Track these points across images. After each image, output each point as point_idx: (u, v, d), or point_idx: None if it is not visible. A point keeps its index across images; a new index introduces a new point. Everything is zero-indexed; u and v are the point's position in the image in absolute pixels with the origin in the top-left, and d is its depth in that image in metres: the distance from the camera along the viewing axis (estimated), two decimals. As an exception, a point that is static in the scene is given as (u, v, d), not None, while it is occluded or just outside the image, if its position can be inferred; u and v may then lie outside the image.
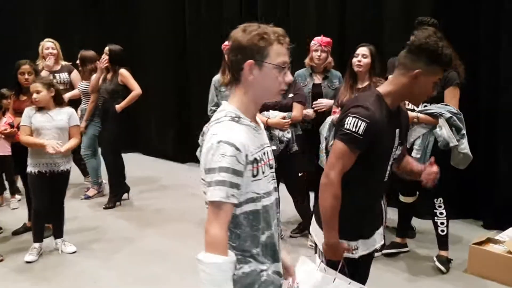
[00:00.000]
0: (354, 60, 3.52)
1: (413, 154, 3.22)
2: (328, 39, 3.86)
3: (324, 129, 3.58)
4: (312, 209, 3.95)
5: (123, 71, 4.64)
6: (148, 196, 5.17)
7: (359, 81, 3.57)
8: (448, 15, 4.00)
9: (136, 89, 4.67)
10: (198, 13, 6.24)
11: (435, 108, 3.17)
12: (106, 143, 4.77)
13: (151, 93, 6.37)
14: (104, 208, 4.72)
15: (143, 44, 6.90)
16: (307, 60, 3.93)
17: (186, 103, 6.62)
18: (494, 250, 3.23)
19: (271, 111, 3.65)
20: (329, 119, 3.59)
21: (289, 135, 3.59)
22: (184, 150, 6.74)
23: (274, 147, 3.57)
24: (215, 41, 5.98)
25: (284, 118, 3.58)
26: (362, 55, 3.50)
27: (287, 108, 3.65)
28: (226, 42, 4.02)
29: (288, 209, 4.09)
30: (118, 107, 4.60)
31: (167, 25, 6.61)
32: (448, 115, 3.11)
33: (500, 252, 3.19)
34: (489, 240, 3.35)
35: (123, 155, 4.88)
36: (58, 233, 3.78)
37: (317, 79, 3.92)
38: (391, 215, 3.84)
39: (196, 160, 6.51)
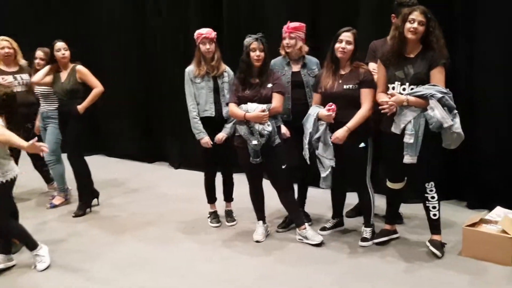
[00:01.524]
0: (338, 46, 3.39)
1: (406, 139, 3.13)
2: (296, 24, 3.68)
3: (309, 122, 3.44)
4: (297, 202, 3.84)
5: (80, 68, 4.32)
6: (119, 201, 4.88)
7: (342, 67, 3.45)
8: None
9: (98, 86, 4.36)
10: (159, 10, 5.93)
11: (424, 89, 3.08)
12: (71, 147, 4.42)
13: (110, 91, 6.00)
14: (73, 217, 4.39)
15: (101, 41, 6.53)
16: (281, 49, 3.77)
17: (150, 101, 6.33)
18: (488, 230, 3.19)
19: (249, 103, 3.47)
20: (313, 112, 3.44)
21: (270, 128, 3.42)
22: (151, 149, 6.47)
23: (255, 142, 3.40)
24: (178, 37, 5.77)
25: (263, 111, 3.40)
26: (346, 41, 3.36)
27: (267, 99, 3.48)
28: (202, 30, 3.82)
29: (273, 204, 3.94)
30: (80, 107, 4.27)
31: (126, 20, 6.27)
32: (439, 95, 3.03)
33: (494, 232, 3.15)
34: (481, 221, 3.32)
35: (86, 158, 4.56)
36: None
37: (295, 67, 3.76)
38: (379, 202, 3.75)
39: (164, 159, 6.39)
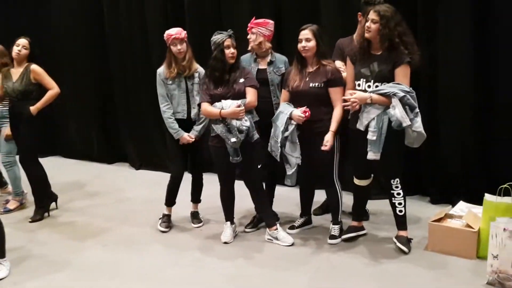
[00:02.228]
0: (299, 45, 3.39)
1: (369, 136, 3.15)
2: (260, 20, 3.64)
3: (280, 120, 3.40)
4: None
5: (35, 68, 4.10)
6: (79, 204, 4.69)
7: (309, 65, 3.43)
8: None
9: (54, 88, 4.15)
10: (117, 8, 5.73)
11: (387, 88, 3.11)
12: (24, 150, 4.19)
13: (67, 90, 5.80)
14: (30, 222, 4.19)
15: (58, 40, 6.27)
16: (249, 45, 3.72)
17: (109, 100, 6.12)
18: (452, 225, 3.26)
19: (223, 100, 3.41)
20: (286, 110, 3.41)
21: (248, 123, 3.36)
22: (110, 150, 6.27)
23: (234, 139, 3.33)
24: (137, 36, 5.61)
25: (239, 106, 3.34)
26: (305, 39, 3.37)
27: (241, 95, 3.43)
28: (172, 31, 3.71)
29: (241, 204, 3.89)
30: (33, 109, 4.05)
31: (84, 18, 6.04)
32: (401, 94, 3.06)
33: (459, 226, 3.23)
34: (445, 216, 3.39)
35: (41, 160, 4.35)
36: None
37: (262, 64, 3.72)
38: (346, 199, 3.77)
39: (125, 160, 6.21)
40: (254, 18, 3.66)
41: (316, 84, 3.37)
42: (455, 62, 3.95)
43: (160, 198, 4.02)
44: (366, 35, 3.17)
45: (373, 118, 3.16)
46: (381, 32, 3.13)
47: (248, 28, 3.63)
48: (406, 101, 3.09)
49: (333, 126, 3.36)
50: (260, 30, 3.62)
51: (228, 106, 3.37)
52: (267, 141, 3.53)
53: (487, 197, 3.17)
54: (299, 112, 3.34)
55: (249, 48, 3.69)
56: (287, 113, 3.41)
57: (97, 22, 5.95)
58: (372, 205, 4.07)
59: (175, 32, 3.69)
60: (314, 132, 3.39)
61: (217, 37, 3.45)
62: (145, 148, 5.82)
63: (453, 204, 4.07)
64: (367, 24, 3.15)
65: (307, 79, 3.41)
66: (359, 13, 3.60)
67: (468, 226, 3.19)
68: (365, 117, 3.19)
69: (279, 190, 4.02)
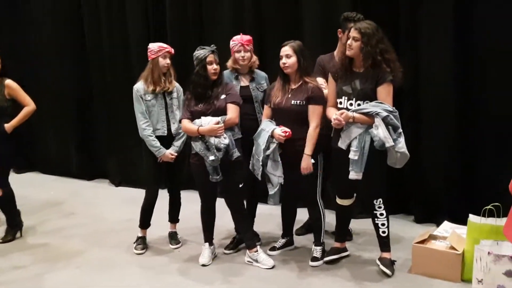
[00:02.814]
0: (280, 62, 3.33)
1: (351, 155, 3.07)
2: (248, 37, 3.59)
3: (262, 138, 3.31)
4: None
5: (10, 83, 3.93)
6: (54, 223, 4.53)
7: (291, 81, 3.36)
8: (367, 12, 3.93)
9: (30, 104, 4.00)
10: (98, 20, 5.63)
11: (370, 107, 3.04)
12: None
13: (45, 105, 5.70)
14: (1, 242, 4.03)
15: (35, 54, 6.14)
16: (229, 63, 3.63)
17: (89, 114, 5.99)
18: (436, 247, 3.18)
19: (203, 117, 3.30)
20: (268, 128, 3.32)
21: (227, 141, 3.26)
22: (90, 166, 6.12)
23: (212, 157, 3.22)
24: (119, 50, 5.51)
25: (217, 123, 3.24)
26: (285, 56, 3.30)
27: (221, 111, 3.33)
28: (163, 44, 3.63)
29: (223, 222, 3.77)
30: (8, 126, 3.88)
31: (63, 31, 5.92)
32: (384, 113, 2.99)
33: (443, 249, 3.15)
34: (429, 237, 3.30)
35: (17, 176, 4.21)
36: None
37: (244, 81, 3.64)
38: (329, 219, 3.68)
39: (105, 176, 6.05)
40: (242, 34, 3.59)
41: (298, 101, 3.30)
42: (438, 79, 3.90)
43: (137, 218, 3.88)
44: (348, 53, 3.11)
45: (355, 137, 3.08)
46: (363, 50, 3.07)
47: (239, 46, 3.52)
48: (389, 121, 3.02)
49: (308, 149, 3.27)
50: (251, 47, 3.58)
51: (207, 123, 3.27)
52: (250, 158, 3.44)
53: (471, 218, 3.09)
54: (280, 131, 3.26)
55: (237, 65, 3.58)
56: (269, 131, 3.32)
57: (76, 36, 5.83)
58: (355, 224, 3.97)
59: (166, 45, 3.64)
60: (296, 151, 3.30)
61: (199, 53, 3.36)
62: (126, 164, 5.67)
63: (438, 224, 4.01)
64: (349, 42, 3.10)
65: (289, 95, 3.33)
66: (339, 29, 3.55)
67: (452, 248, 3.11)
68: (346, 135, 3.11)
69: (261, 208, 3.91)
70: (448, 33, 3.81)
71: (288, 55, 3.30)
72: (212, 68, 3.32)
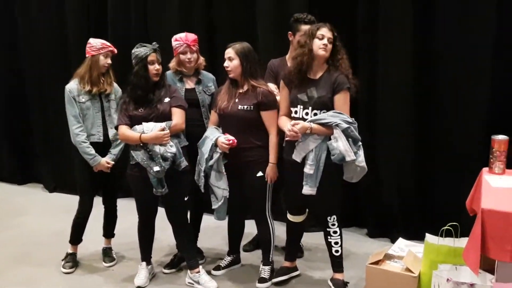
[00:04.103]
0: (224, 64, 3.05)
1: (306, 169, 2.82)
2: (194, 36, 3.27)
3: (206, 146, 3.02)
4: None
5: None
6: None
7: (239, 85, 3.08)
8: (322, 9, 3.71)
9: None
10: (33, 17, 5.13)
11: (328, 117, 2.80)
12: None
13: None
14: None
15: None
16: (173, 64, 3.30)
17: (20, 115, 5.45)
18: (391, 268, 2.97)
19: (144, 123, 2.94)
20: (212, 135, 3.03)
21: (174, 149, 2.92)
22: (21, 168, 5.58)
23: (157, 168, 2.88)
24: (55, 48, 5.04)
25: (162, 129, 2.90)
26: (228, 58, 3.03)
27: (166, 116, 2.98)
28: (94, 42, 3.25)
29: (163, 237, 3.44)
30: None
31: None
32: (344, 125, 2.76)
33: (398, 270, 2.94)
34: (384, 256, 3.10)
35: None
36: None
37: (189, 84, 3.31)
38: (280, 232, 3.41)
39: (38, 180, 5.54)
40: (186, 33, 3.25)
41: (245, 106, 3.01)
42: (395, 92, 3.72)
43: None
44: (323, 53, 2.82)
45: (311, 150, 2.83)
46: (331, 53, 2.85)
47: (184, 47, 3.19)
48: (349, 133, 2.79)
49: (272, 157, 3.04)
50: (197, 47, 3.26)
51: (150, 129, 2.92)
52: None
53: (428, 238, 2.90)
54: (224, 139, 2.97)
55: (182, 67, 3.27)
56: (213, 138, 3.02)
57: (8, 34, 5.31)
58: (307, 238, 3.70)
59: (109, 43, 3.29)
60: (243, 162, 3.03)
61: (139, 51, 2.99)
62: (61, 168, 5.20)
63: (392, 239, 3.86)
64: (324, 41, 2.80)
65: (236, 100, 3.05)
66: (290, 32, 3.30)
67: (408, 270, 2.91)
68: (302, 148, 2.85)
69: (206, 220, 3.59)
70: (407, 42, 3.63)
71: (230, 58, 3.02)
72: (154, 68, 2.97)
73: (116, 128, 3.09)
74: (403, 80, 3.67)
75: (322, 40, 2.81)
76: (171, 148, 2.91)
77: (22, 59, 5.29)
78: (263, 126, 3.06)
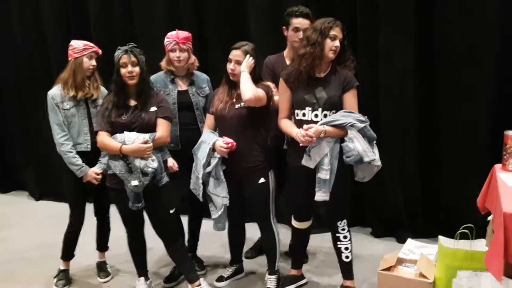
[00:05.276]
0: (228, 67, 2.85)
1: (321, 175, 2.64)
2: (186, 34, 3.07)
3: (202, 151, 2.83)
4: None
5: None
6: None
7: (237, 86, 2.87)
8: (319, 6, 3.52)
9: None
10: (8, 24, 4.87)
11: (341, 117, 2.63)
12: None
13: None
14: None
15: None
16: (163, 63, 3.09)
17: (3, 123, 5.19)
18: (404, 274, 2.83)
19: (126, 132, 2.72)
20: (208, 140, 2.83)
21: (155, 164, 2.71)
22: (6, 177, 5.32)
23: (135, 182, 2.67)
24: (33, 46, 4.77)
25: (145, 142, 2.69)
26: (235, 61, 2.82)
27: (150, 127, 2.76)
28: (76, 44, 3.03)
29: (158, 246, 3.15)
30: None
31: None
32: (359, 125, 2.60)
33: (412, 276, 2.80)
34: (396, 261, 2.96)
35: None
36: None
37: (182, 85, 3.11)
38: (283, 237, 3.24)
39: (23, 188, 5.27)
40: (177, 31, 3.04)
41: (242, 103, 2.82)
42: (396, 86, 3.56)
43: (61, 242, 3.25)
44: (333, 55, 2.64)
45: (326, 154, 2.65)
46: (340, 51, 2.67)
47: (173, 44, 2.99)
48: (366, 132, 2.64)
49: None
50: (189, 45, 3.05)
51: (132, 140, 2.69)
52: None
53: (443, 241, 2.77)
54: (222, 143, 2.78)
55: (172, 66, 3.06)
56: (210, 143, 2.83)
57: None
58: (310, 241, 3.57)
59: (93, 44, 3.07)
60: (243, 168, 2.85)
61: (115, 54, 2.78)
62: (46, 174, 4.95)
63: (397, 238, 3.76)
64: (336, 43, 2.61)
65: (234, 100, 2.86)
66: (284, 27, 3.11)
67: (422, 275, 2.78)
68: (316, 152, 2.65)
69: (206, 225, 3.39)
70: (409, 38, 3.47)
71: (238, 61, 2.82)
72: (127, 71, 2.72)
73: (96, 133, 2.86)
74: (405, 75, 3.51)
75: (334, 41, 2.62)
76: (153, 163, 2.70)
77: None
78: (262, 124, 2.89)
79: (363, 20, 3.59)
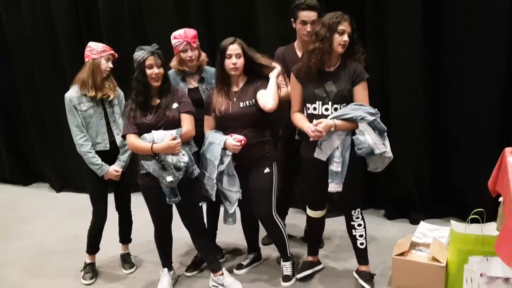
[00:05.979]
0: (228, 62, 2.87)
1: (333, 168, 2.72)
2: (193, 31, 3.08)
3: (213, 153, 2.89)
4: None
5: None
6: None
7: (233, 84, 2.95)
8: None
9: None
10: (19, 19, 4.91)
11: (351, 111, 2.68)
12: None
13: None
14: None
15: None
16: (174, 63, 3.13)
17: (19, 115, 5.28)
18: (418, 259, 2.94)
19: (154, 132, 2.80)
20: (218, 140, 2.89)
21: (186, 158, 2.79)
22: (26, 169, 5.46)
23: (170, 178, 2.77)
24: (46, 45, 4.81)
25: (174, 138, 2.76)
26: (236, 55, 2.86)
27: (175, 124, 2.84)
28: (96, 46, 3.10)
29: (178, 235, 3.30)
30: None
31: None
32: (369, 117, 2.65)
33: (425, 261, 2.91)
34: (410, 245, 3.06)
35: None
36: None
37: (192, 83, 3.16)
38: (298, 221, 3.34)
39: (43, 179, 5.40)
40: (185, 30, 3.05)
41: (247, 102, 2.90)
42: (406, 73, 3.59)
43: (84, 235, 3.38)
44: (342, 50, 2.68)
45: (337, 147, 2.72)
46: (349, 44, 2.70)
47: (184, 44, 3.01)
48: (376, 125, 2.69)
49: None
50: (197, 42, 3.08)
51: (161, 138, 2.78)
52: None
53: (454, 226, 2.86)
54: (233, 141, 2.85)
55: (185, 66, 3.11)
56: (220, 143, 2.88)
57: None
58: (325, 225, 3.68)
59: (109, 47, 3.14)
60: (251, 158, 2.93)
61: (137, 54, 2.82)
62: (66, 166, 5.07)
63: (411, 220, 3.84)
64: (344, 38, 2.65)
65: (235, 99, 2.92)
66: (292, 19, 3.13)
67: (435, 259, 2.88)
68: (327, 146, 2.72)
69: (221, 214, 3.51)
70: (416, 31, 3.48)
71: (238, 55, 2.86)
72: (153, 72, 2.79)
73: (124, 137, 2.96)
74: (414, 61, 3.54)
75: (343, 36, 2.65)
76: (184, 157, 2.80)
77: (13, 57, 5.10)
78: (267, 117, 2.95)
79: (371, 7, 3.59)
